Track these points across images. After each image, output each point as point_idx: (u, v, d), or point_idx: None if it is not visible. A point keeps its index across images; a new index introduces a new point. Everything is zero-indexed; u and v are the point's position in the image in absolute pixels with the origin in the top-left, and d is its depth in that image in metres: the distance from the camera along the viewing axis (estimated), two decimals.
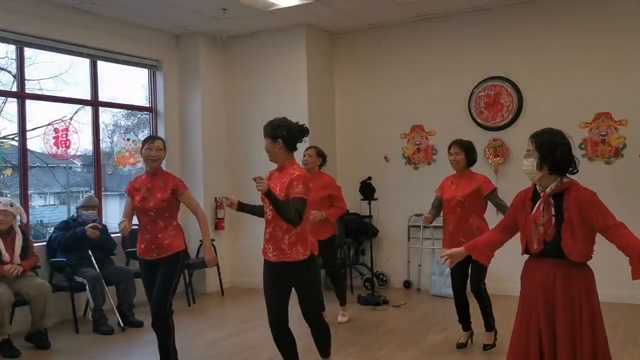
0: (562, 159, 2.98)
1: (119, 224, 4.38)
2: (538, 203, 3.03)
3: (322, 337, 4.05)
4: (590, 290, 2.98)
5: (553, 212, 2.97)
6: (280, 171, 3.87)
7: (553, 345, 2.96)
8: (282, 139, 3.79)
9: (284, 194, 3.69)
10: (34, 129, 6.45)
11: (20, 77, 6.28)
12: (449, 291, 6.86)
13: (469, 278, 4.85)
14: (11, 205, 5.49)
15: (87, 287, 5.82)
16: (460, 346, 4.98)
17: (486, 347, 4.87)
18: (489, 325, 4.90)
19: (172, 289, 4.27)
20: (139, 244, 4.33)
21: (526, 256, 3.18)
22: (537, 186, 3.10)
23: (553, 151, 2.97)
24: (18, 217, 5.56)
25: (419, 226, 7.53)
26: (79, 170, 7.25)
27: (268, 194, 3.58)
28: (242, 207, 4.02)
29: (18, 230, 5.54)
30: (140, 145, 4.47)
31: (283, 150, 3.82)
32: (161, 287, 4.21)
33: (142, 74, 7.75)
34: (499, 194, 4.89)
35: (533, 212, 3.03)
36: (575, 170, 3.05)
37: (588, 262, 3.04)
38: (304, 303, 3.90)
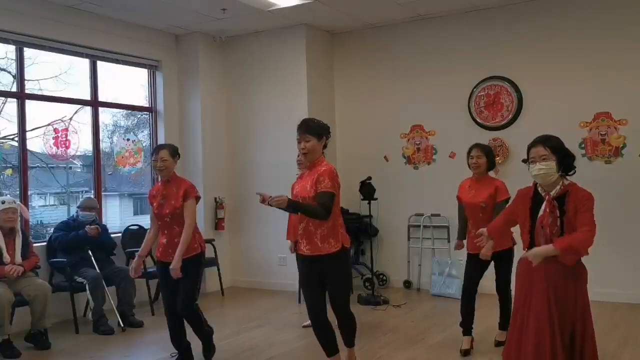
0: (573, 159, 3.19)
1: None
2: (544, 205, 3.15)
3: (348, 328, 4.07)
4: (584, 286, 3.21)
5: (558, 214, 3.11)
6: (311, 169, 3.92)
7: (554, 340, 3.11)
8: (327, 137, 3.92)
9: (314, 189, 3.78)
10: (33, 129, 6.45)
11: (20, 78, 6.28)
12: (449, 291, 6.92)
13: (496, 277, 4.90)
14: (14, 202, 5.51)
15: (87, 287, 5.82)
16: (467, 353, 4.82)
17: (500, 344, 4.75)
18: (508, 323, 4.88)
19: (196, 289, 4.50)
20: (158, 247, 4.55)
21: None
22: (539, 188, 3.20)
23: (568, 153, 3.18)
24: (19, 217, 5.57)
25: (419, 226, 7.53)
26: (79, 170, 7.25)
27: (289, 206, 3.72)
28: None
29: (19, 229, 5.55)
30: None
31: (320, 148, 3.91)
32: (185, 290, 4.41)
33: (142, 74, 7.75)
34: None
35: (540, 214, 3.16)
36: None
37: (586, 263, 3.24)
38: (333, 295, 3.95)
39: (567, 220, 3.08)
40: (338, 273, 3.92)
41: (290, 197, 3.87)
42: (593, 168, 6.49)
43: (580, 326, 3.15)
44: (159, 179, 4.62)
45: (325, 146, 3.96)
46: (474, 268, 4.81)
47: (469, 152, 4.91)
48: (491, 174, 5.01)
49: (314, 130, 3.87)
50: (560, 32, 6.74)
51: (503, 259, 4.79)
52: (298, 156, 5.59)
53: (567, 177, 3.21)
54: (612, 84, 6.51)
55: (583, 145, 6.61)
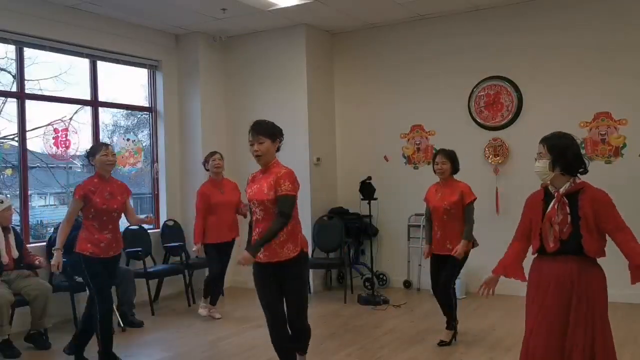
0: (573, 159, 3.13)
1: None
2: (553, 202, 3.14)
3: (304, 337, 3.97)
4: (602, 289, 3.18)
5: (568, 211, 3.08)
6: (266, 172, 3.81)
7: (564, 338, 3.06)
8: (280, 139, 3.83)
9: (273, 191, 3.68)
10: (33, 129, 6.45)
11: (20, 77, 6.28)
12: None
13: (440, 275, 5.03)
14: (7, 200, 5.53)
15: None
16: (441, 343, 5.06)
17: (442, 344, 5.03)
18: (451, 324, 5.10)
19: (89, 287, 4.67)
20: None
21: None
22: (549, 187, 3.20)
23: (564, 152, 3.12)
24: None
25: (419, 226, 7.52)
26: (79, 170, 7.24)
27: (255, 252, 3.65)
28: None
29: (11, 228, 5.55)
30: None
31: (274, 150, 3.82)
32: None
33: (142, 74, 7.75)
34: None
35: (548, 210, 3.14)
36: (586, 171, 3.20)
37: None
38: (292, 303, 3.83)
39: (583, 217, 3.03)
40: (299, 279, 3.82)
41: (246, 200, 3.86)
42: (593, 168, 6.40)
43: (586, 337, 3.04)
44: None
45: (278, 149, 3.85)
46: (437, 267, 5.05)
47: (433, 159, 5.15)
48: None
49: (267, 132, 3.77)
50: (561, 32, 6.74)
51: (454, 259, 4.90)
52: (214, 161, 6.22)
53: (579, 176, 3.16)
54: (612, 84, 6.51)
55: (583, 145, 6.60)
